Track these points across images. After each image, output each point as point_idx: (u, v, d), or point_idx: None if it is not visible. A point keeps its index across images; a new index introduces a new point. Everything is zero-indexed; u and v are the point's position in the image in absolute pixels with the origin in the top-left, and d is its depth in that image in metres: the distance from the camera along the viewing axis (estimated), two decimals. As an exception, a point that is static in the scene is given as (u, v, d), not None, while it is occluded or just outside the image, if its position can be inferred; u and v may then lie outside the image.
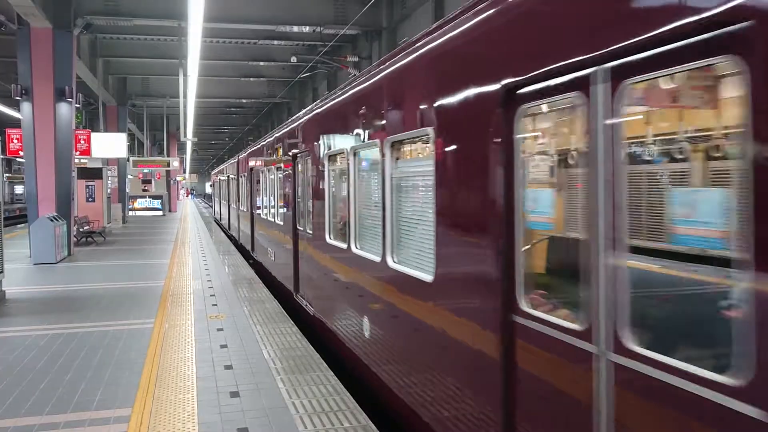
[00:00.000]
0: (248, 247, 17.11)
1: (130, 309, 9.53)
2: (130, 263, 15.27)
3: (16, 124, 19.19)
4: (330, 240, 7.62)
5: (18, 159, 34.98)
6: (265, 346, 7.29)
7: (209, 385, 5.87)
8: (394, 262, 5.18)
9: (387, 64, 5.34)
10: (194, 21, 12.12)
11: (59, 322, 8.61)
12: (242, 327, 8.26)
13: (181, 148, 51.94)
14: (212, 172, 40.18)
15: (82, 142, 20.78)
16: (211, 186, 43.62)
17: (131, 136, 41.73)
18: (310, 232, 8.76)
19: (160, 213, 39.07)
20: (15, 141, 17.49)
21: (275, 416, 5.12)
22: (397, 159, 5.26)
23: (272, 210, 12.90)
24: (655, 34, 2.29)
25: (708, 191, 2.44)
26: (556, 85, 2.95)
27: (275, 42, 22.65)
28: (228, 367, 6.43)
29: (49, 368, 6.46)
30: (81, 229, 20.00)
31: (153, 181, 41.46)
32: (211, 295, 10.61)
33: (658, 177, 2.73)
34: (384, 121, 5.33)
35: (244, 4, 18.60)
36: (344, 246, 6.76)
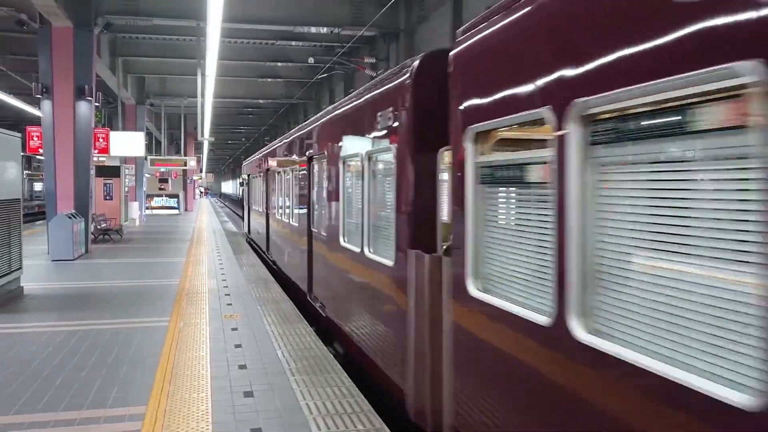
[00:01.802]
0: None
1: (145, 307, 9.58)
2: (147, 261, 15.36)
3: (36, 121, 19.41)
4: None
5: (38, 156, 35.38)
6: (279, 347, 7.28)
7: (223, 384, 5.87)
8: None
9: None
10: (213, 21, 12.17)
11: (76, 319, 8.67)
12: (257, 327, 8.26)
13: (198, 147, 52.32)
14: (246, 162, 24.22)
15: (101, 140, 20.97)
16: (242, 184, 26.19)
17: (149, 135, 42.05)
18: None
19: (176, 212, 39.33)
20: (35, 139, 17.68)
21: (288, 417, 5.10)
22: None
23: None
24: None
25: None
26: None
27: (293, 43, 22.72)
28: (242, 367, 6.42)
29: (64, 365, 6.49)
30: (98, 227, 20.16)
31: (170, 180, 41.75)
32: (226, 295, 10.64)
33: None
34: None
35: (262, 5, 18.67)
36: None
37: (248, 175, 22.29)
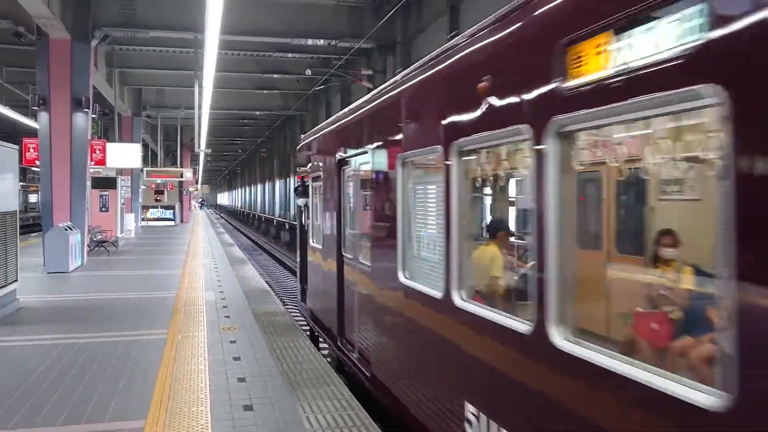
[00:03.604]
0: None
1: (142, 319, 9.53)
2: (143, 273, 15.31)
3: (33, 133, 19.40)
4: None
5: (33, 168, 35.29)
6: (278, 359, 7.25)
7: (222, 397, 5.83)
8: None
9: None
10: (211, 33, 12.22)
11: (73, 332, 8.62)
12: (255, 339, 8.22)
13: (194, 159, 52.36)
14: (314, 138, 9.30)
15: (98, 152, 20.93)
16: (300, 193, 10.38)
17: (145, 147, 42.04)
18: None
19: (172, 223, 39.30)
20: (32, 150, 17.66)
21: (289, 431, 5.06)
22: None
23: None
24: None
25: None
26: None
27: (290, 55, 22.79)
28: (241, 380, 6.39)
29: (62, 378, 6.44)
30: (94, 239, 20.10)
31: (165, 192, 41.70)
32: (223, 307, 10.60)
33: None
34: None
35: (260, 17, 18.75)
36: None
37: (325, 169, 8.71)
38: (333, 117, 8.48)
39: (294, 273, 22.84)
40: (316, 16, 19.10)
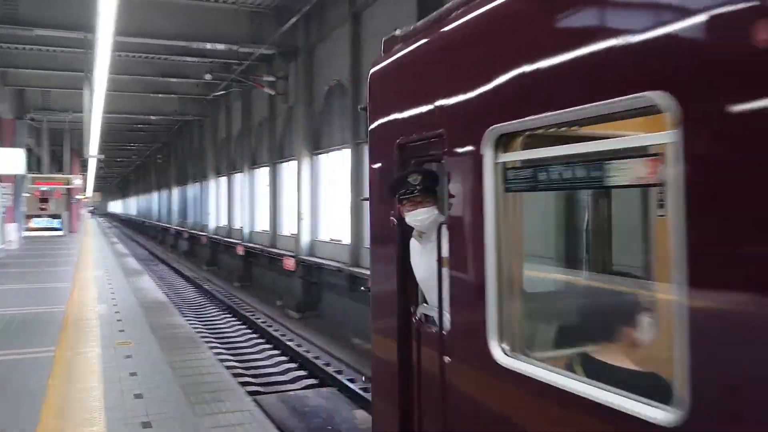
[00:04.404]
0: None
1: (28, 336, 8.92)
2: (27, 287, 14.33)
3: None
4: None
5: None
6: (177, 374, 7.01)
7: (118, 415, 5.58)
8: None
9: None
10: (103, 35, 11.66)
11: (-54, 353, 7.94)
12: (152, 354, 7.92)
13: (84, 165, 49.60)
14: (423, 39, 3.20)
15: (-25, 157, 19.41)
16: (424, 191, 3.03)
17: (29, 152, 39.36)
18: None
19: (59, 233, 37.14)
20: None
21: (191, 446, 4.92)
22: None
23: None
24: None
25: None
26: None
27: (188, 58, 22.11)
28: (138, 396, 6.13)
29: (-65, 403, 5.92)
30: (-30, 251, 18.61)
31: (51, 200, 39.24)
32: (118, 320, 10.12)
33: None
34: None
35: (155, 19, 18.07)
36: None
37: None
38: None
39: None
40: (216, 20, 18.66)
